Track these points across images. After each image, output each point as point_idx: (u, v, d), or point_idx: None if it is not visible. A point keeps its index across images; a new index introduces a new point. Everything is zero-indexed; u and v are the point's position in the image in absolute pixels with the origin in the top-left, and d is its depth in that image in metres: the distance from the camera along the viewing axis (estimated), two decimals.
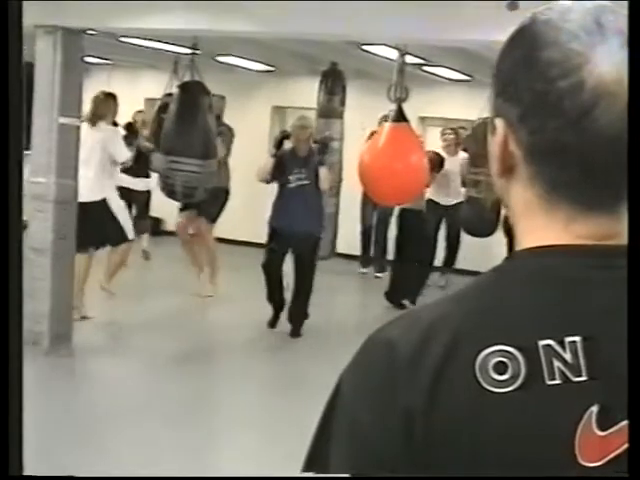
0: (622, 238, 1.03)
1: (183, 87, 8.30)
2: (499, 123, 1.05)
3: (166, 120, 8.32)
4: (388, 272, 10.74)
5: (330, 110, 10.47)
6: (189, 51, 8.74)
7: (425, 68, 10.79)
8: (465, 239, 10.96)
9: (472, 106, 10.55)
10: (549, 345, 0.96)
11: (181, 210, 9.67)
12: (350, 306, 11.17)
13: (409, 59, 8.69)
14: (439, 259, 11.31)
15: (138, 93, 13.21)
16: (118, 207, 8.19)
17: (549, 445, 0.95)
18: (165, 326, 8.53)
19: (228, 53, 11.34)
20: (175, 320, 8.86)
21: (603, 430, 0.94)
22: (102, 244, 8.27)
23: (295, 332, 8.43)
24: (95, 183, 7.90)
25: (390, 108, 8.15)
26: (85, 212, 7.73)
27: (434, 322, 1.02)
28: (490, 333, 0.98)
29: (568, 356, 0.96)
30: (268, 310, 8.54)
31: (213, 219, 9.64)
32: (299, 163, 8.18)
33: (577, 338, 0.96)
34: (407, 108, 8.12)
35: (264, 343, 8.41)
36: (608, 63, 0.97)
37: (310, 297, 8.40)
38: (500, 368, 0.96)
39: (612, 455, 0.94)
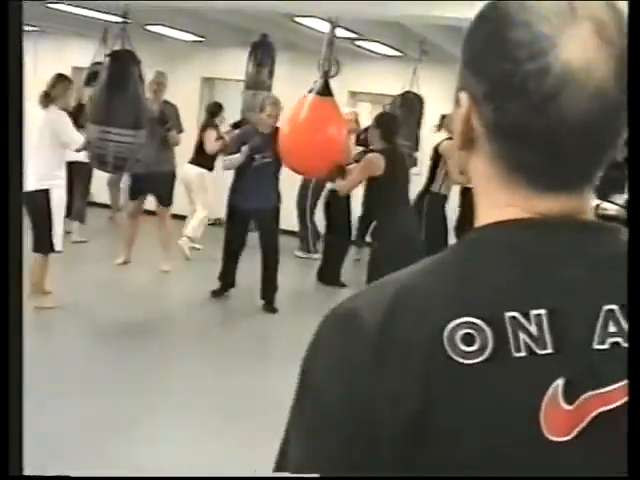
0: (585, 215, 1.03)
1: (114, 56, 8.14)
2: (463, 96, 1.04)
3: (96, 89, 8.14)
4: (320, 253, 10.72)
5: (258, 82, 10.41)
6: (118, 19, 8.59)
7: (358, 42, 10.78)
8: None
9: (403, 82, 10.63)
10: (514, 317, 0.95)
11: (132, 199, 9.65)
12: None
13: (342, 33, 8.66)
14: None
15: (65, 61, 12.97)
16: (58, 207, 7.60)
17: (515, 419, 0.94)
18: (120, 300, 8.43)
19: (158, 22, 11.20)
20: (135, 294, 8.82)
21: (570, 404, 0.94)
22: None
23: (269, 307, 8.38)
24: (42, 170, 7.45)
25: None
26: (25, 202, 7.40)
27: (400, 292, 1.00)
28: (457, 304, 0.97)
29: (533, 329, 0.95)
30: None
31: (169, 203, 9.74)
32: (263, 141, 8.07)
33: (542, 311, 0.95)
34: (337, 82, 8.02)
35: (219, 316, 8.46)
36: (577, 49, 0.94)
37: (278, 268, 8.37)
38: (468, 340, 0.95)
39: (578, 428, 0.94)
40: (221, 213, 9.56)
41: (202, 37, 12.46)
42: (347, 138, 8.24)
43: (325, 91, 7.79)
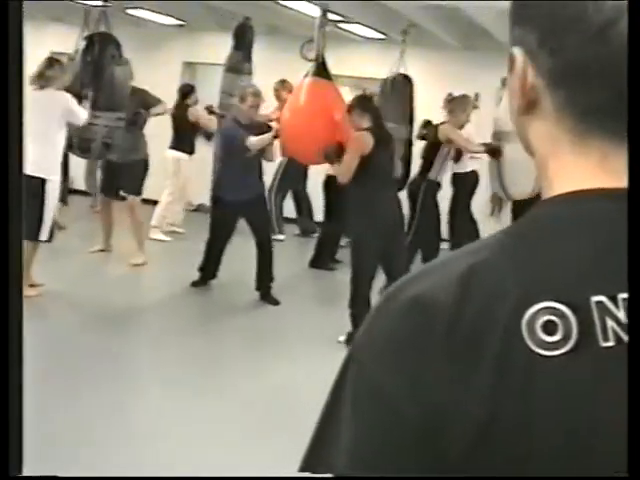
0: None
1: (91, 39, 8.07)
2: (517, 52, 0.95)
3: (75, 73, 8.03)
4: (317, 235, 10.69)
5: (239, 66, 10.37)
6: (99, 3, 8.53)
7: (341, 25, 10.72)
8: None
9: (385, 65, 10.57)
10: (601, 302, 0.85)
11: (104, 194, 9.49)
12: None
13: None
14: None
15: (44, 46, 12.83)
16: (52, 197, 7.38)
17: (602, 416, 0.84)
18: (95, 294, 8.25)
19: (138, 6, 11.12)
20: (106, 287, 8.66)
21: None
22: None
23: (266, 297, 8.27)
24: (41, 157, 7.09)
25: (303, 65, 8.07)
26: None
27: (469, 273, 0.90)
28: (535, 288, 0.87)
29: (621, 314, 0.84)
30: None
31: (138, 192, 9.34)
32: (250, 131, 7.94)
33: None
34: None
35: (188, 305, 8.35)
36: None
37: (272, 259, 8.24)
38: (549, 328, 0.85)
39: None
40: (203, 199, 9.45)
41: (183, 21, 12.39)
42: (345, 120, 8.18)
43: (322, 73, 7.78)
